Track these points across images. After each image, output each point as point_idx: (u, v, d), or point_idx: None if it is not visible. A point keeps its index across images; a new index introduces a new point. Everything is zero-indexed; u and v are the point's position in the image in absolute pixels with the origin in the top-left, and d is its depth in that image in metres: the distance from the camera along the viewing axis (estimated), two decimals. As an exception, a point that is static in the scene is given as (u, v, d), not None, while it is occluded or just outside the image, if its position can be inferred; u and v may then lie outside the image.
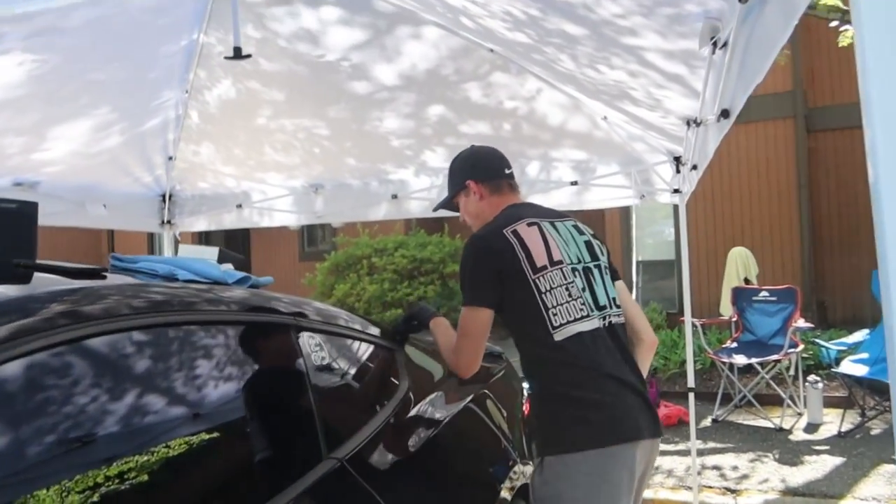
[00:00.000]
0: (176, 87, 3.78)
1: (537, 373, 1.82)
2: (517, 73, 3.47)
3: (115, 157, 4.05)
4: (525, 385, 3.50)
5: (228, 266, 1.72)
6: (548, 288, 1.77)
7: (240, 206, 4.85)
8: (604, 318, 1.82)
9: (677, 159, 3.79)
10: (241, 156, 4.43)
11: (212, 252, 1.80)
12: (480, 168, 2.04)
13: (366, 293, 8.61)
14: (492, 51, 3.33)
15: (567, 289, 1.78)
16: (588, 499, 1.68)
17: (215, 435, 1.32)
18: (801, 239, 8.06)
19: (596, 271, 1.89)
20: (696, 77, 2.15)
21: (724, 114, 1.79)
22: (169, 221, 4.96)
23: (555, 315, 1.75)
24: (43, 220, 3.92)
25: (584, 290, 1.82)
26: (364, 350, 2.03)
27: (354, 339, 1.97)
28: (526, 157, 4.17)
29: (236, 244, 13.42)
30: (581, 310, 1.78)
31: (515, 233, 1.83)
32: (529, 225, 1.85)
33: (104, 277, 1.40)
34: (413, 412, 2.07)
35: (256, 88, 3.76)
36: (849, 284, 8.71)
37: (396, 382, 2.10)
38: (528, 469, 2.76)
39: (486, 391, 2.67)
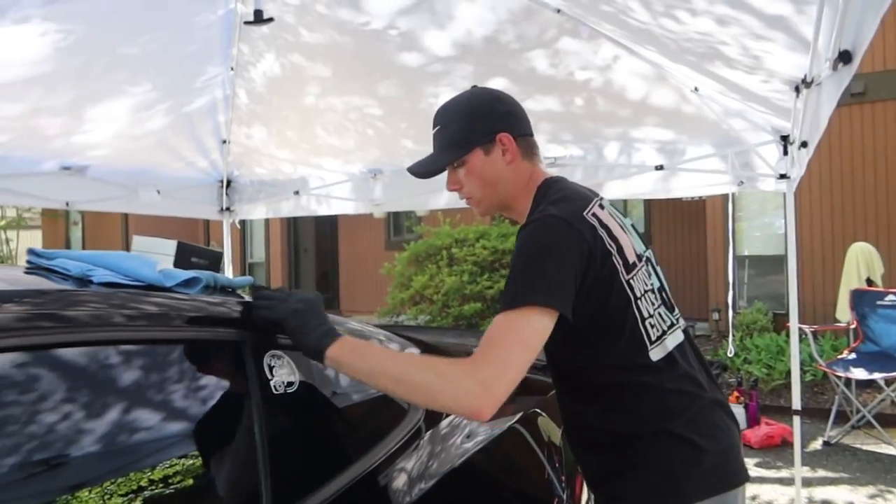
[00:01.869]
0: (219, 63, 3.53)
1: (630, 405, 1.36)
2: (589, 38, 2.97)
3: (162, 139, 3.87)
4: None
5: (169, 265, 1.37)
6: (642, 291, 1.37)
7: (297, 192, 4.60)
8: (681, 324, 1.44)
9: (784, 138, 3.18)
10: (294, 139, 4.16)
11: (169, 246, 1.46)
12: (519, 119, 1.47)
13: (444, 285, 8.28)
14: (559, 11, 2.85)
15: (653, 291, 1.40)
16: None
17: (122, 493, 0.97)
18: (935, 234, 7.00)
19: (654, 262, 1.47)
20: (805, 18, 1.61)
21: (844, 57, 1.27)
22: (228, 209, 4.78)
23: (651, 326, 1.36)
24: (96, 205, 3.75)
25: (660, 290, 1.43)
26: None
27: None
28: (602, 137, 3.65)
29: (325, 231, 13.51)
30: (667, 318, 1.40)
31: (596, 217, 1.36)
32: (602, 207, 1.40)
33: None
34: (421, 449, 1.67)
35: (301, 63, 3.45)
36: None
37: (402, 408, 1.70)
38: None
39: (539, 410, 2.24)
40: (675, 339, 1.40)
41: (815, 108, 1.95)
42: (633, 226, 1.48)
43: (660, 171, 3.66)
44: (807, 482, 3.83)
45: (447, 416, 1.85)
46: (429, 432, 1.73)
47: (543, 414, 2.22)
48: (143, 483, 1.04)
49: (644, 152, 3.70)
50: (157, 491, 1.06)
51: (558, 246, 1.28)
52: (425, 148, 4.47)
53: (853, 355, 4.90)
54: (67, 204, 3.87)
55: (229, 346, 1.28)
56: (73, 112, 3.24)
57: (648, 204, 10.09)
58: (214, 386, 1.25)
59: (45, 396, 0.98)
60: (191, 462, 1.16)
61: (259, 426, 1.24)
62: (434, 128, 1.49)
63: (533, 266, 1.27)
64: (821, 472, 4.14)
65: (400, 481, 1.57)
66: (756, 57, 2.12)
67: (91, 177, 3.85)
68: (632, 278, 1.36)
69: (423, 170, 1.49)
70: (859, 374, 4.57)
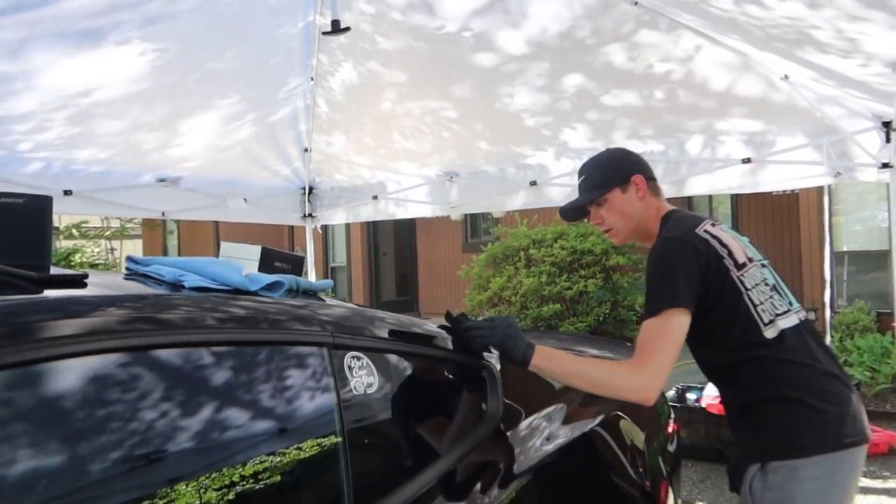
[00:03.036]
0: (300, 73, 3.65)
1: (748, 376, 1.67)
2: (669, 30, 2.89)
3: (248, 149, 4.03)
4: (700, 393, 2.93)
5: (253, 269, 1.42)
6: (752, 285, 1.69)
7: (376, 197, 4.69)
8: (798, 313, 1.72)
9: (887, 125, 2.99)
10: (371, 145, 4.25)
11: (254, 251, 1.52)
12: (645, 165, 1.88)
13: (522, 286, 8.23)
14: (636, 3, 2.78)
15: (765, 284, 1.72)
16: None
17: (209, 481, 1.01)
18: None
19: (772, 269, 1.80)
20: (908, -6, 1.51)
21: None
22: (310, 215, 4.92)
23: (763, 311, 1.67)
24: (189, 214, 3.95)
25: (774, 287, 1.74)
26: (434, 371, 1.65)
27: (422, 357, 1.60)
28: (685, 130, 3.54)
29: (403, 234, 13.71)
30: (780, 305, 1.70)
31: (708, 232, 1.72)
32: (713, 225, 1.77)
33: (85, 285, 1.16)
34: (501, 449, 1.66)
35: (377, 70, 3.52)
36: None
37: (479, 409, 1.69)
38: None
39: (621, 413, 2.18)
40: (787, 321, 1.66)
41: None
42: (749, 242, 1.79)
43: (747, 164, 3.51)
44: (919, 493, 3.57)
45: (526, 418, 1.84)
46: (508, 433, 1.72)
47: (626, 417, 2.17)
48: (234, 478, 1.08)
49: (729, 145, 3.56)
50: (247, 486, 1.09)
51: (679, 260, 1.64)
52: (501, 149, 4.46)
53: (969, 357, 4.53)
54: (163, 214, 4.09)
55: (313, 347, 1.31)
56: (167, 126, 3.42)
57: (736, 199, 9.68)
58: (299, 386, 1.28)
59: (144, 394, 1.03)
60: (278, 459, 1.19)
61: (340, 425, 1.27)
62: (579, 178, 1.87)
63: (664, 279, 1.63)
64: (934, 483, 3.86)
65: (479, 483, 1.56)
66: (852, 40, 2.00)
67: (184, 187, 4.05)
68: (742, 275, 1.67)
69: (573, 206, 1.86)
70: (977, 376, 4.22)
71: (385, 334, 1.51)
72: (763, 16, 2.07)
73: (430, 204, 4.57)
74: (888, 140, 3.01)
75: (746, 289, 1.67)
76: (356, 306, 1.56)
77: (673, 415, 2.67)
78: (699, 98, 3.26)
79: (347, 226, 13.26)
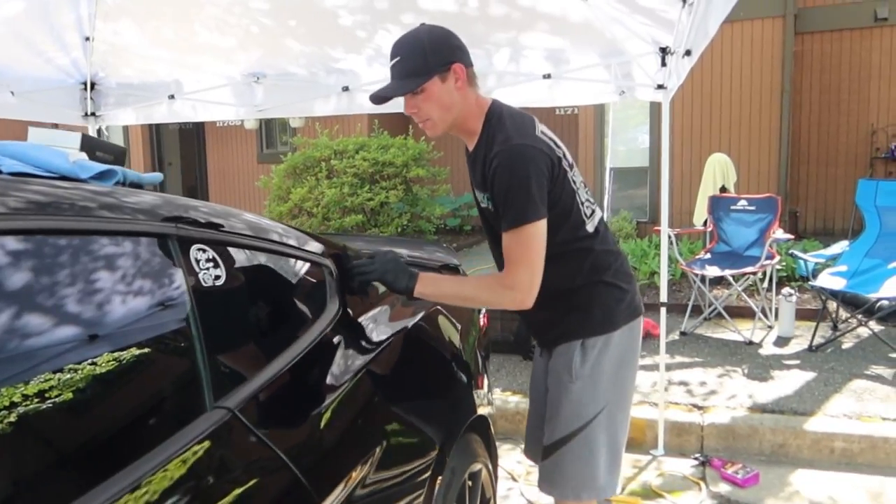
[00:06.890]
0: (83, -54, 3.17)
1: (573, 265, 1.83)
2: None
3: (17, 31, 3.47)
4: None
5: (82, 156, 1.29)
6: (579, 184, 1.84)
7: (172, 96, 4.30)
8: (598, 207, 1.93)
9: (664, 50, 3.37)
10: (170, 37, 3.86)
11: (72, 139, 1.37)
12: (465, 51, 1.74)
13: (324, 197, 8.17)
14: None
15: (583, 183, 1.88)
16: (621, 367, 1.89)
17: (55, 381, 0.95)
18: (779, 146, 7.76)
19: None
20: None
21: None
22: (93, 114, 4.40)
23: (587, 208, 1.84)
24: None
25: (585, 184, 1.90)
26: (279, 265, 1.64)
27: (267, 251, 1.58)
28: (493, 43, 3.68)
29: (191, 144, 12.76)
30: (594, 201, 1.91)
31: (544, 133, 1.76)
32: (539, 124, 1.78)
33: None
34: (342, 340, 1.72)
35: (179, -50, 3.17)
36: (822, 194, 8.53)
37: (322, 303, 1.73)
38: (482, 394, 2.49)
39: (440, 307, 2.34)
40: (598, 215, 1.90)
41: (703, 17, 2.09)
42: None
43: (547, 80, 3.76)
44: (666, 367, 4.29)
45: (364, 313, 1.91)
46: (348, 323, 1.79)
47: (444, 313, 2.34)
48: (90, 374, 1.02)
49: (532, 60, 3.77)
50: (98, 383, 1.04)
51: (533, 170, 1.66)
52: (313, 49, 4.28)
53: (708, 255, 5.44)
54: None
55: (157, 239, 1.24)
56: None
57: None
58: (151, 279, 1.21)
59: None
60: (130, 354, 1.14)
61: (194, 317, 1.24)
62: (393, 59, 1.69)
63: (522, 191, 1.65)
64: (678, 358, 4.66)
65: (322, 374, 1.62)
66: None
67: (-69, 73, 3.40)
68: (574, 175, 1.82)
69: (388, 94, 1.70)
70: (713, 271, 5.09)
71: (229, 228, 1.47)
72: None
73: (234, 106, 4.30)
74: (664, 64, 3.40)
75: (577, 188, 1.80)
76: (188, 199, 1.49)
77: (484, 309, 2.92)
78: (509, 9, 3.39)
79: (126, 133, 12.03)
